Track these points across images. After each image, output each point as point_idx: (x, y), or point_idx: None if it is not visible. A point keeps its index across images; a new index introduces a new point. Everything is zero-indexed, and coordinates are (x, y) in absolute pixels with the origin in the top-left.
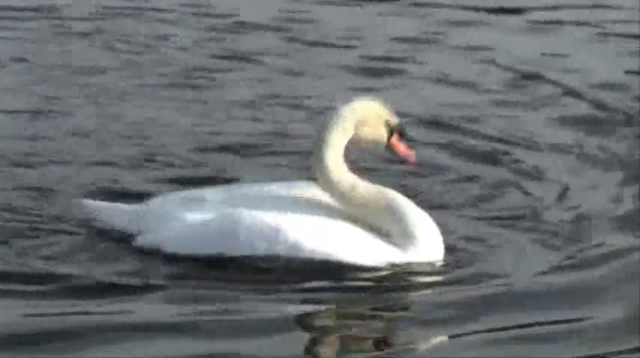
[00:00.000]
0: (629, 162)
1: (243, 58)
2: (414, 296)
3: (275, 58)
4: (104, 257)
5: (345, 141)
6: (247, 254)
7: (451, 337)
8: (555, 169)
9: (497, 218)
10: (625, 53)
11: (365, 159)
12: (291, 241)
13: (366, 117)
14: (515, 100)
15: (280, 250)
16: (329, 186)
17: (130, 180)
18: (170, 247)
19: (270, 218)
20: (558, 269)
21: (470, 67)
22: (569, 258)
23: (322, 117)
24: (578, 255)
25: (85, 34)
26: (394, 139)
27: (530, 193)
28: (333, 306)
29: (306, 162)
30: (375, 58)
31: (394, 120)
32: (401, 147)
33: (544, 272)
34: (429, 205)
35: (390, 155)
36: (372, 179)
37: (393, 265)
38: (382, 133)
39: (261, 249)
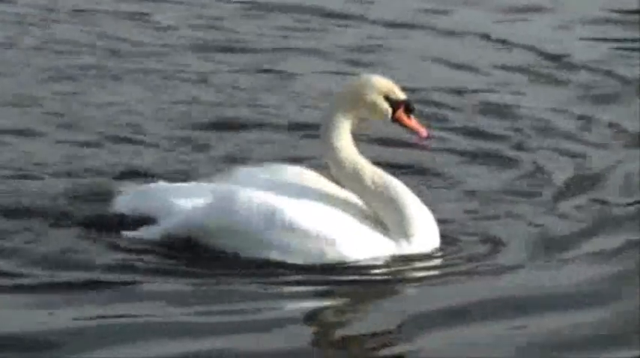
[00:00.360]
0: None
1: (232, 40)
2: (408, 289)
3: (268, 42)
4: (98, 252)
5: (347, 120)
6: (243, 231)
7: (443, 333)
8: (567, 153)
9: (505, 206)
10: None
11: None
12: (287, 220)
13: (360, 93)
14: (523, 80)
15: (276, 228)
16: (335, 166)
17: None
18: (169, 227)
19: (266, 199)
20: (564, 263)
21: (472, 49)
22: (577, 251)
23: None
24: (587, 248)
25: (71, 17)
26: (400, 114)
27: (539, 181)
28: (327, 301)
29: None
30: (376, 38)
31: (397, 95)
32: (409, 122)
33: (548, 266)
34: (432, 192)
35: (402, 130)
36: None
37: (387, 257)
38: (384, 108)
39: (259, 227)
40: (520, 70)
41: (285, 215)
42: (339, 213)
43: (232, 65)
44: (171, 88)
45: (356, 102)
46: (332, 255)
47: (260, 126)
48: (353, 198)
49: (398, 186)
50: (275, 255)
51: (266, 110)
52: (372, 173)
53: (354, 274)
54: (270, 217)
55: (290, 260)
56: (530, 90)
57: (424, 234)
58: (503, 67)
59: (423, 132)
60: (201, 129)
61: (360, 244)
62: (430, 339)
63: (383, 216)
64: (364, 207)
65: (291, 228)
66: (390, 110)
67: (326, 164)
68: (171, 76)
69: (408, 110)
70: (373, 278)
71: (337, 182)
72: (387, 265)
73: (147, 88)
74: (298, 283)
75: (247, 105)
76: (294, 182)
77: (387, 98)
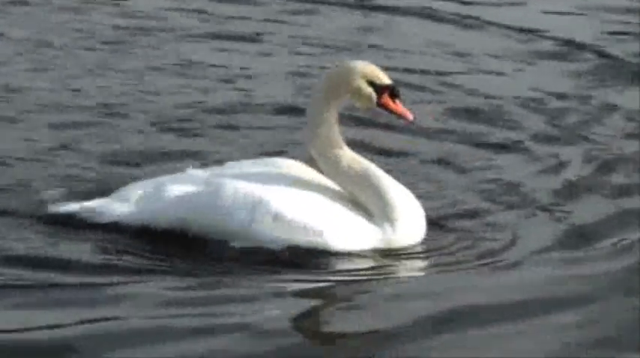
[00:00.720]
0: None
1: (222, 25)
2: (393, 279)
3: (255, 28)
4: (80, 251)
5: (331, 108)
6: (228, 224)
7: (428, 325)
8: (580, 141)
9: (498, 194)
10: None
11: None
12: (272, 213)
13: (344, 79)
14: (533, 67)
15: (260, 222)
16: (317, 153)
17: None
18: (151, 218)
19: (252, 190)
20: (555, 252)
21: (480, 36)
22: (570, 242)
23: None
24: (607, 242)
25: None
26: (385, 99)
27: (553, 170)
28: (310, 290)
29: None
30: (372, 22)
31: (382, 80)
32: (394, 107)
33: (536, 257)
34: (445, 183)
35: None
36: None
37: (373, 245)
38: (368, 94)
39: (243, 219)
40: (528, 56)
41: (271, 202)
42: (324, 201)
43: (222, 50)
44: (157, 74)
45: (340, 88)
46: (317, 242)
47: (250, 111)
48: (338, 187)
49: (377, 172)
50: (260, 242)
51: (258, 95)
52: (351, 159)
53: (334, 262)
54: (256, 204)
55: (275, 247)
56: (540, 77)
57: (408, 218)
58: (510, 53)
59: (410, 116)
60: (190, 117)
61: (344, 230)
62: (431, 336)
63: (366, 203)
64: (348, 195)
65: (276, 215)
66: (374, 95)
67: (308, 152)
68: (158, 63)
69: (394, 95)
70: (354, 265)
71: (322, 171)
72: (369, 251)
73: (132, 76)
74: (291, 280)
75: (238, 91)
76: (280, 173)
77: (372, 83)
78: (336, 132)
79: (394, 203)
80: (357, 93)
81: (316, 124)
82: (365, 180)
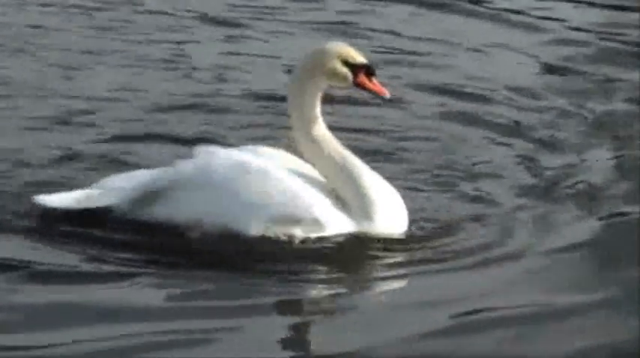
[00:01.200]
0: None
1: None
2: (396, 281)
3: (242, 17)
4: (71, 241)
5: (309, 91)
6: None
7: (437, 330)
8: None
9: (515, 189)
10: None
11: None
12: (250, 201)
13: (319, 61)
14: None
15: (235, 211)
16: (299, 140)
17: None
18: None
19: (230, 178)
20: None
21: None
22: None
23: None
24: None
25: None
26: (361, 78)
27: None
28: (285, 284)
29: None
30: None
31: (356, 59)
32: (371, 85)
33: (551, 257)
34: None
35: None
36: None
37: (349, 237)
38: (344, 74)
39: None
40: (542, 44)
41: (250, 191)
42: (302, 190)
43: (209, 37)
44: (144, 62)
45: (315, 70)
46: (295, 232)
47: (237, 98)
48: (318, 176)
49: (356, 162)
50: (235, 225)
51: (245, 81)
52: (333, 149)
53: (308, 253)
54: (234, 193)
55: (249, 236)
56: (553, 66)
57: (387, 213)
58: (525, 44)
59: (386, 93)
60: (177, 104)
61: (321, 220)
62: (440, 342)
63: (344, 193)
64: (327, 184)
65: (252, 204)
66: (350, 75)
67: (291, 137)
68: (144, 51)
69: (370, 74)
70: (329, 255)
71: (306, 159)
72: (345, 243)
73: (118, 63)
74: (281, 287)
75: (219, 82)
76: (263, 160)
77: (347, 63)
78: (317, 115)
79: (372, 195)
80: (333, 73)
81: (296, 108)
82: (345, 172)
